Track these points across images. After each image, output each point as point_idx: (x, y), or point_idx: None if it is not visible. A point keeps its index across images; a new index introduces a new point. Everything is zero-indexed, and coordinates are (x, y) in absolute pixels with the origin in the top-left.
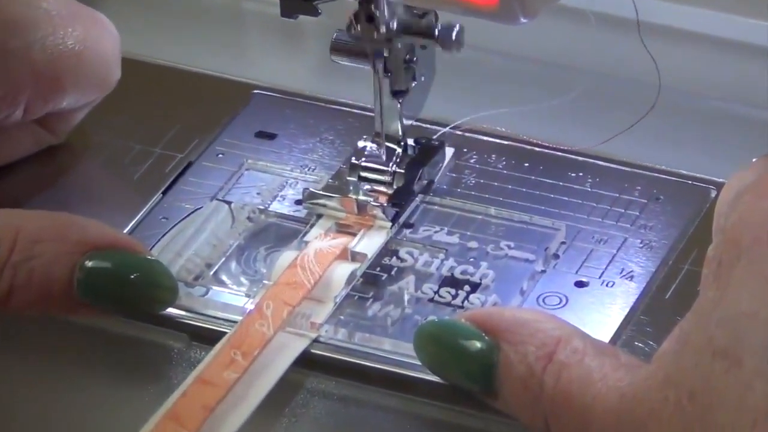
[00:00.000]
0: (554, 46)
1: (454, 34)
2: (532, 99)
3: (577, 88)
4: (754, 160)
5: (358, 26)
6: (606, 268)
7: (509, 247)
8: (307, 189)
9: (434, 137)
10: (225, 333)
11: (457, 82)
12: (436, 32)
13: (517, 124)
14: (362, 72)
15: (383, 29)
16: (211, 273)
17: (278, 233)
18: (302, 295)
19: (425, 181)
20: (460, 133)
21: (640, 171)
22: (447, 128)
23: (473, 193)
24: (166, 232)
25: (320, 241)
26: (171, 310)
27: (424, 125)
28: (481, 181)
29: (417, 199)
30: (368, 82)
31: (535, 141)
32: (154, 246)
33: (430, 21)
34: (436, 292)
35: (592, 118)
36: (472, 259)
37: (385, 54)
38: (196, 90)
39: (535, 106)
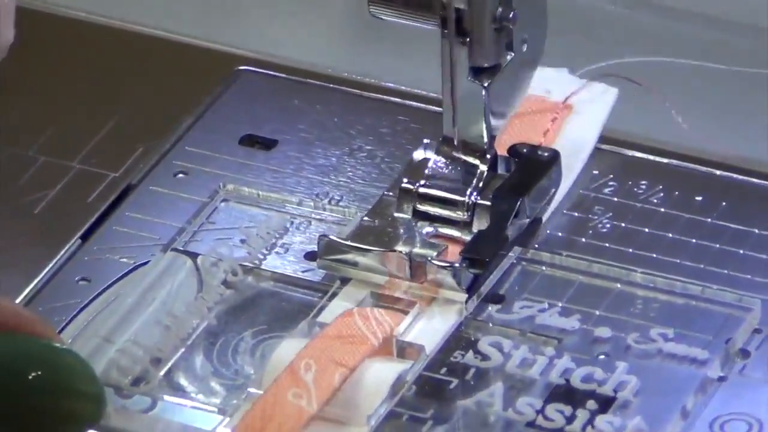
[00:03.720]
0: None
1: None
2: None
3: None
4: None
5: None
6: None
7: (665, 337)
8: (326, 236)
9: (543, 145)
10: None
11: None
12: None
13: (687, 122)
14: (423, 37)
15: None
16: (162, 373)
17: (275, 308)
18: (365, 354)
19: (526, 221)
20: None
21: None
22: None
23: (607, 245)
24: (87, 304)
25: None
26: None
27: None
28: (622, 224)
29: (512, 254)
30: (433, 53)
31: (715, 157)
32: (65, 326)
33: None
34: (541, 412)
35: None
36: (601, 357)
37: (460, 4)
38: (141, 64)
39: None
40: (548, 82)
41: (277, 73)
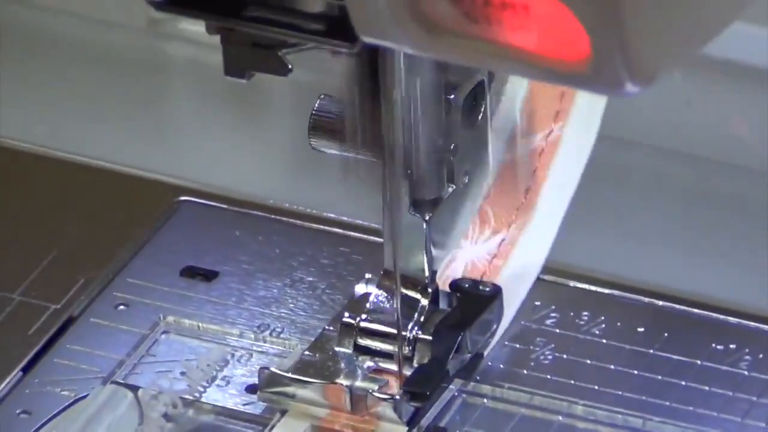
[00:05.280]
0: None
1: None
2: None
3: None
4: None
5: None
6: None
7: None
8: (267, 368)
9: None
10: None
11: None
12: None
13: (621, 250)
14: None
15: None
16: None
17: None
18: None
19: (468, 356)
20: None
21: None
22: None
23: (549, 377)
24: None
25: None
26: None
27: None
28: (564, 356)
29: (453, 386)
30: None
31: (656, 287)
32: None
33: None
34: None
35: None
36: None
37: (401, 138)
38: (82, 195)
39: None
40: None
41: (218, 204)
